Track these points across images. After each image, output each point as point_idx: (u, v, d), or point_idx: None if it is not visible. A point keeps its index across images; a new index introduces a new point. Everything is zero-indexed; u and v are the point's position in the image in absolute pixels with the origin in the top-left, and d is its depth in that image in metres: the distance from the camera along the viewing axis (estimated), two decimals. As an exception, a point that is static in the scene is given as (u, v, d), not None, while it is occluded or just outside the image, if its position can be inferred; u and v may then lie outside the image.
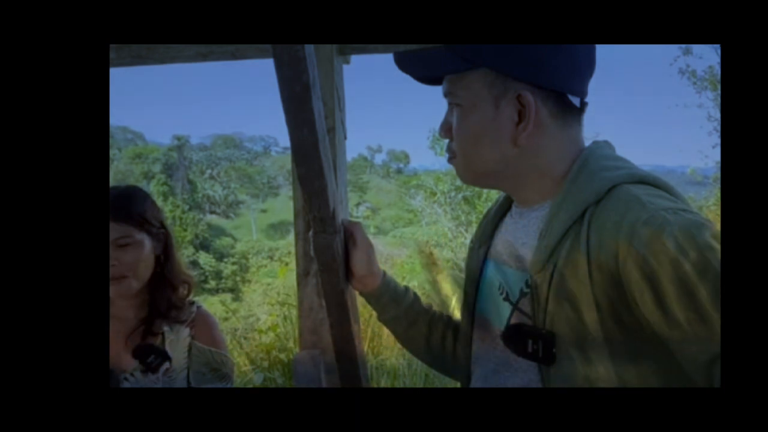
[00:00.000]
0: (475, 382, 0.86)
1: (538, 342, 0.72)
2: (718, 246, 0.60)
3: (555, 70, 0.75)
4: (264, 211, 53.31)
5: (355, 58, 1.16)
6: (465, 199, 11.31)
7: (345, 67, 1.14)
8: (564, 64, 0.75)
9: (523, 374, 0.76)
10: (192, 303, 1.26)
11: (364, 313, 3.03)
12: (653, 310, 0.63)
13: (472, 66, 0.76)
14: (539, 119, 0.75)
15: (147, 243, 1.16)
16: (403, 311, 0.95)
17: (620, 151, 0.81)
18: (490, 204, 1.00)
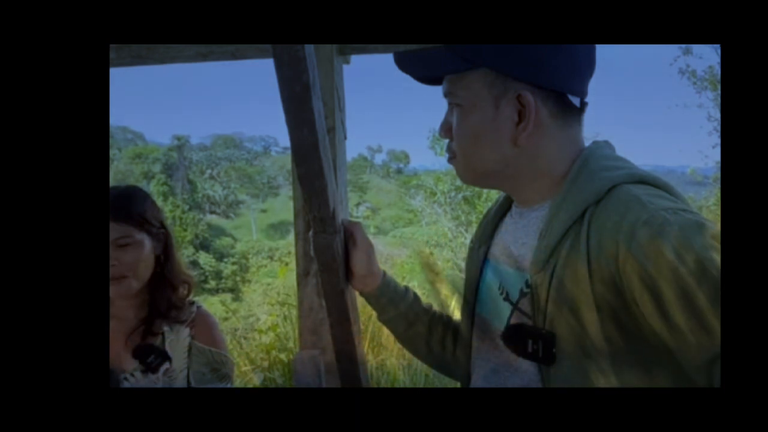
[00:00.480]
0: (475, 382, 0.86)
1: (538, 342, 0.72)
2: (717, 247, 0.60)
3: (555, 70, 0.75)
4: (264, 211, 53.28)
5: (355, 58, 1.16)
6: (465, 199, 11.30)
7: (345, 67, 1.14)
8: (564, 64, 0.75)
9: (523, 374, 0.76)
10: (192, 303, 1.26)
11: (364, 313, 3.02)
12: (653, 313, 0.63)
13: (472, 66, 0.76)
14: (539, 119, 0.75)
15: (147, 243, 1.16)
16: (403, 311, 0.95)
17: (620, 151, 0.81)
18: (490, 204, 1.00)
